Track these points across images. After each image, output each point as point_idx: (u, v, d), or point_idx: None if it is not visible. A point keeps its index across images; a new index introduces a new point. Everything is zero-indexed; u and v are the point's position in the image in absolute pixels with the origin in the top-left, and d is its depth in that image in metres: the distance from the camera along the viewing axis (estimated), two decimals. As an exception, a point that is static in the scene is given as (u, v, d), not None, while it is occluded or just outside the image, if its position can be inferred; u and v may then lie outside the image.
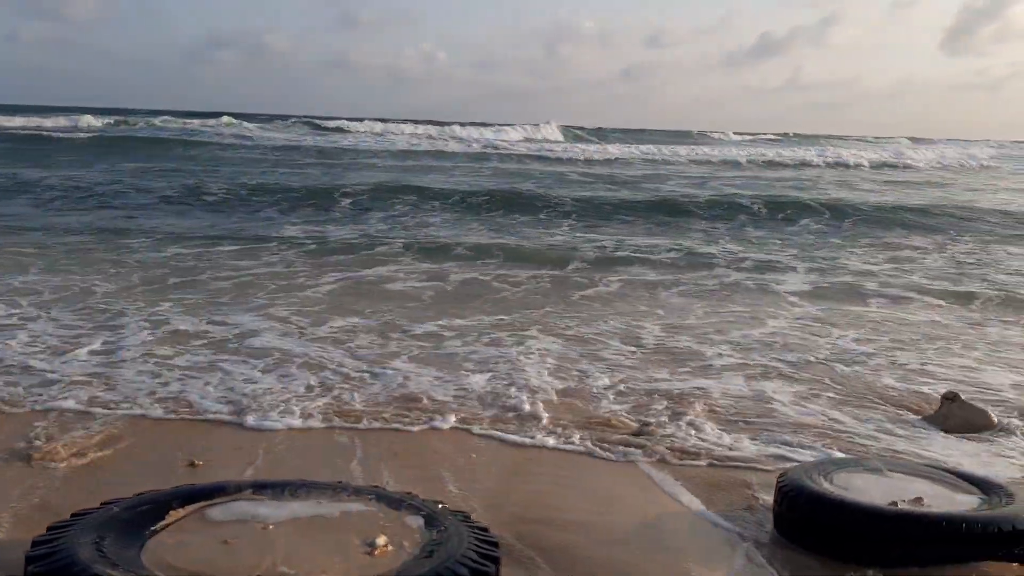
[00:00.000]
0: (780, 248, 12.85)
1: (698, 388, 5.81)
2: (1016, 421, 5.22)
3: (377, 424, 4.92)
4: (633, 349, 6.73)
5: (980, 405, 5.21)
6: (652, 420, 5.06)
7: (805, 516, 3.51)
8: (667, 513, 3.90)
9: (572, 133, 51.51)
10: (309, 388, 5.50)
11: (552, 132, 49.24)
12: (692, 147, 42.73)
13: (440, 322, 7.38)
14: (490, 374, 5.92)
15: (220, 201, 16.32)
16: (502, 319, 7.62)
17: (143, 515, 3.03)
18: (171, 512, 3.09)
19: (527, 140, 43.84)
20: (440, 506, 3.31)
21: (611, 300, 8.68)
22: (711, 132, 57.43)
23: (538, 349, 6.61)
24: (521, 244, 12.26)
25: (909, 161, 37.23)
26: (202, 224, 13.39)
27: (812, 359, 6.62)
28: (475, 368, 6.06)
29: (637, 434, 4.82)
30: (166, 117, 46.60)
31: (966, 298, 9.24)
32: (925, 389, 5.86)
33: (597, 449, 4.66)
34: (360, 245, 11.59)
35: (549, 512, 3.82)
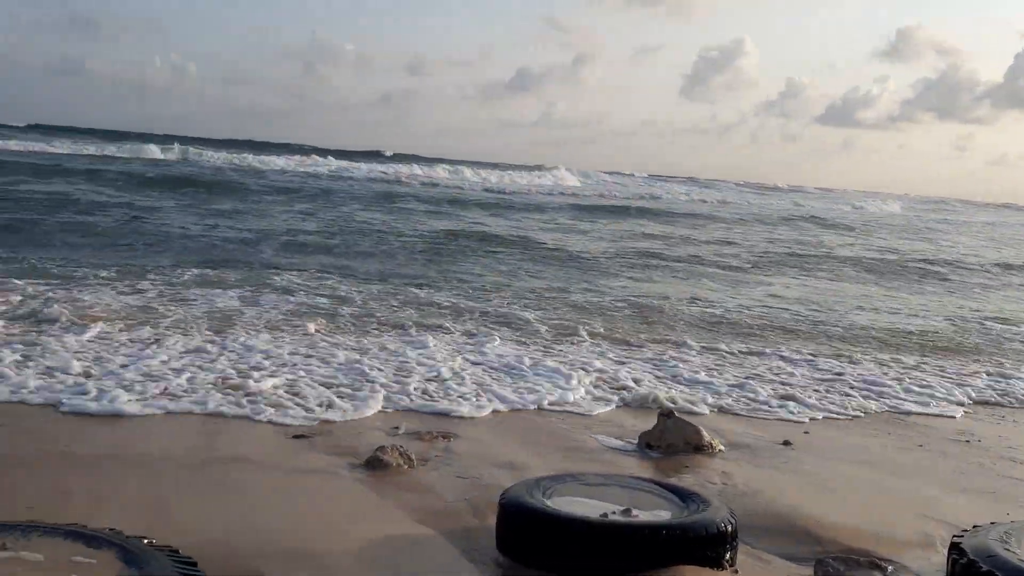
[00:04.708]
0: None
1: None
2: (718, 436, 5.69)
3: None
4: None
5: (692, 422, 5.60)
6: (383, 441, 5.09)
7: (523, 532, 3.62)
8: (395, 536, 3.88)
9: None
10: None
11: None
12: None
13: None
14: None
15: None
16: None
17: None
18: None
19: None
20: (144, 541, 3.12)
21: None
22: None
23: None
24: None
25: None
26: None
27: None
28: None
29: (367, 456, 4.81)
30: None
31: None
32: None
33: (321, 467, 4.69)
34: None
35: (270, 542, 3.70)
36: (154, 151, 40.50)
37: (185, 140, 51.58)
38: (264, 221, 18.45)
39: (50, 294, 9.01)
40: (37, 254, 11.97)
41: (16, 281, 9.63)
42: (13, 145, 37.97)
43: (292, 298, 9.77)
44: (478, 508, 4.22)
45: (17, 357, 6.42)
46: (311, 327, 8.10)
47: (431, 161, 53.18)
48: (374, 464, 4.73)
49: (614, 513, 3.69)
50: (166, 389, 5.78)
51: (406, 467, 4.76)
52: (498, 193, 36.43)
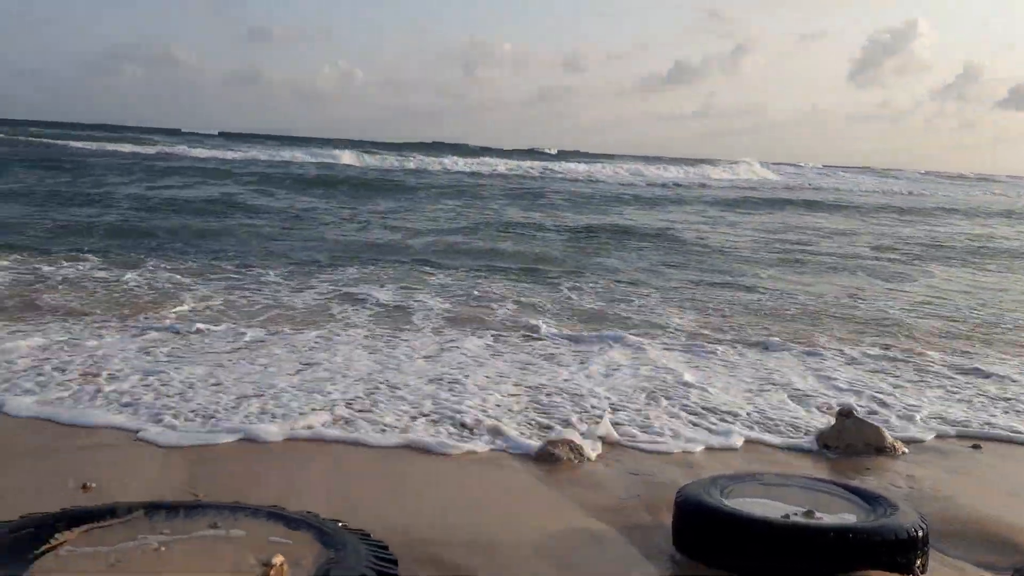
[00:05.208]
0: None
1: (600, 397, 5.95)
2: (903, 439, 5.43)
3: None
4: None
5: (873, 423, 5.38)
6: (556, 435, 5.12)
7: (702, 531, 3.59)
8: (571, 530, 3.92)
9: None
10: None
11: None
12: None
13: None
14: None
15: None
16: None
17: (26, 538, 2.92)
18: (57, 534, 2.99)
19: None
20: (339, 524, 3.29)
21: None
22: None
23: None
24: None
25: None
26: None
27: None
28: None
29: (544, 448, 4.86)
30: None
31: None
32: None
33: (494, 459, 4.78)
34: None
35: (450, 531, 3.81)
36: (323, 155, 42.62)
37: (353, 143, 54.30)
38: (417, 219, 19.00)
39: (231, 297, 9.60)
40: (213, 251, 12.70)
41: (213, 276, 10.38)
42: (202, 152, 40.78)
43: (442, 300, 9.73)
44: (652, 505, 4.21)
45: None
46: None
47: (597, 157, 53.38)
48: (545, 458, 4.80)
49: (795, 514, 3.61)
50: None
51: (576, 461, 4.79)
52: (659, 186, 36.35)
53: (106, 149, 39.17)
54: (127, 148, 40.29)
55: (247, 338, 7.41)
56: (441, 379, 6.37)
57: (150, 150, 40.74)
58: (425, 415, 5.55)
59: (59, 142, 41.21)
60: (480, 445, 5.04)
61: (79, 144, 40.54)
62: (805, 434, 5.52)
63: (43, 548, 2.90)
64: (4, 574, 2.70)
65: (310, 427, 5.18)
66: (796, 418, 5.88)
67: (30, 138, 42.08)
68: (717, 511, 3.55)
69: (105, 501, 3.43)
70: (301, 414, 5.39)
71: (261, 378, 6.17)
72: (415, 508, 4.09)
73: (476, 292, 10.32)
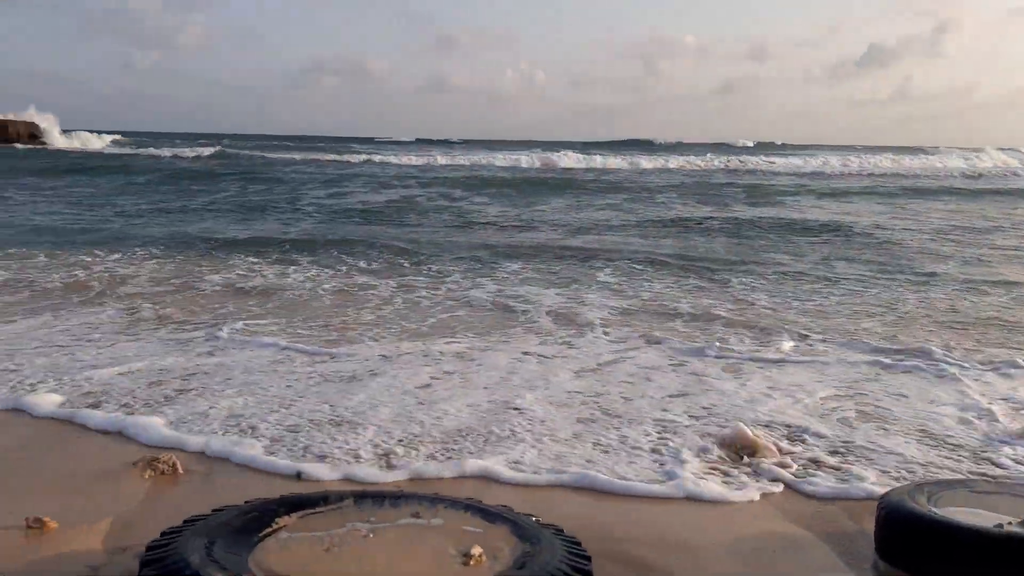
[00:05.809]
0: None
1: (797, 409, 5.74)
2: None
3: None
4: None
5: (1097, 427, 4.97)
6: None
7: (907, 538, 3.44)
8: (767, 534, 3.85)
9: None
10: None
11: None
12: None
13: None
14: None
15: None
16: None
17: (251, 521, 3.17)
18: (278, 519, 3.23)
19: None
20: (534, 519, 3.37)
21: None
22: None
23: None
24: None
25: None
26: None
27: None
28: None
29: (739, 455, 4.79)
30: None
31: None
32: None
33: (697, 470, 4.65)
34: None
35: (644, 531, 3.83)
36: (509, 157, 44.04)
37: (540, 144, 55.64)
38: (587, 217, 19.11)
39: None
40: (394, 254, 13.06)
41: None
42: (392, 159, 42.89)
43: (610, 302, 9.38)
44: (853, 511, 4.06)
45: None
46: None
47: (794, 149, 51.87)
48: (734, 464, 4.70)
49: (1009, 524, 3.39)
50: None
51: (768, 467, 4.66)
52: (849, 176, 35.10)
53: (303, 159, 41.75)
54: (322, 157, 42.84)
55: (422, 352, 7.06)
56: (614, 392, 6.02)
57: (353, 158, 43.11)
58: (608, 435, 5.17)
59: (258, 153, 44.25)
60: (670, 477, 4.53)
61: (279, 155, 43.40)
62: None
63: (266, 531, 3.14)
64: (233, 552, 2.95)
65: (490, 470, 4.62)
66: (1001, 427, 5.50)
67: (239, 151, 45.45)
68: (923, 518, 3.39)
69: (317, 489, 3.68)
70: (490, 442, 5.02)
71: (422, 400, 5.79)
72: (605, 507, 4.13)
73: (644, 293, 10.02)
